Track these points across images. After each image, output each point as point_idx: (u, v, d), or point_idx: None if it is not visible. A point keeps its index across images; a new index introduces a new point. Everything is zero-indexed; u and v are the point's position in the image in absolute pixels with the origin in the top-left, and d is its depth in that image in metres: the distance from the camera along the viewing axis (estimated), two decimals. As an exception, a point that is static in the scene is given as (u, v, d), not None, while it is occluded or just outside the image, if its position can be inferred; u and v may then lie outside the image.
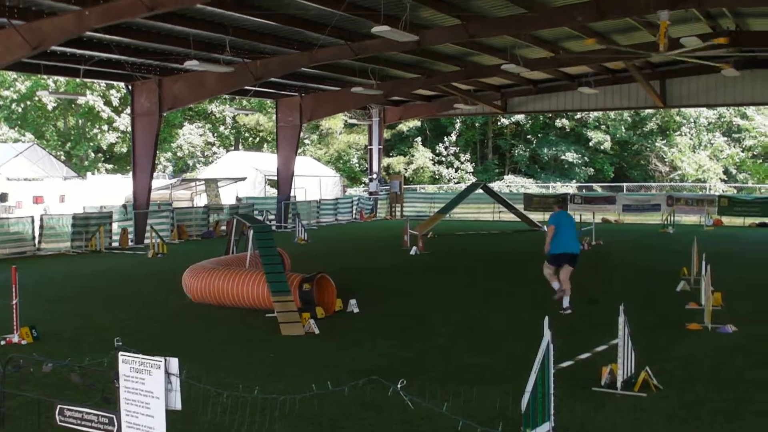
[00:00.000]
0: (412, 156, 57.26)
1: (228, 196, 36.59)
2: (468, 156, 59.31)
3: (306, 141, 56.36)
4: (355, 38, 22.40)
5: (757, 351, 9.45)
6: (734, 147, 56.73)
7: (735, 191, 48.38)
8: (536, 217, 33.90)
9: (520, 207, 34.13)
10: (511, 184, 54.62)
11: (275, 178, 34.51)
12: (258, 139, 59.38)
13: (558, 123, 57.84)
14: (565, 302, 12.30)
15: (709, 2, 18.93)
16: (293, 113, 32.38)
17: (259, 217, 29.20)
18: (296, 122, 32.33)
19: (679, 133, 58.40)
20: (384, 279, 16.58)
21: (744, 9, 22.14)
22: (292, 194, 33.43)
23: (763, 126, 51.56)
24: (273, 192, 40.81)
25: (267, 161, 42.01)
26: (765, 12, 22.23)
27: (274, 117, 37.79)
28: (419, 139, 58.25)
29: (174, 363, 5.13)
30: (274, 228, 30.54)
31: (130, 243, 24.98)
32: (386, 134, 49.64)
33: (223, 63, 22.77)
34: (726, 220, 33.54)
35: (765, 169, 51.48)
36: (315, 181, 42.18)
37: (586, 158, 57.38)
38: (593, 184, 53.99)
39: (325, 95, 32.27)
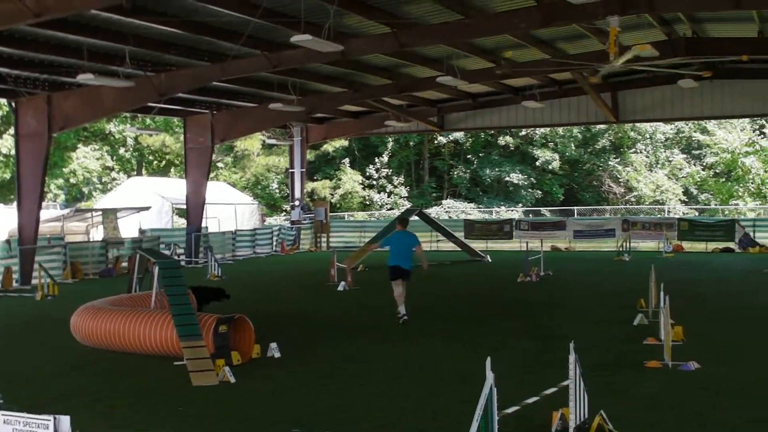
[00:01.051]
0: (340, 180, 57.40)
1: (130, 228, 36.06)
2: (402, 179, 59.73)
3: (219, 164, 56.06)
4: (273, 48, 22.46)
5: (723, 390, 9.68)
6: (694, 165, 58.31)
7: (696, 213, 49.67)
8: (478, 245, 34.29)
9: (460, 235, 34.44)
10: (451, 209, 55.15)
11: (184, 206, 34.16)
12: (164, 162, 58.78)
13: (501, 141, 58.73)
14: (401, 309, 15.54)
15: (662, 6, 19.49)
16: (204, 133, 32.19)
17: (166, 252, 28.84)
18: (207, 143, 32.14)
19: (634, 150, 59.82)
20: (309, 319, 16.51)
21: (701, 14, 22.91)
22: (203, 225, 33.16)
23: (725, 141, 53.04)
24: (182, 222, 40.35)
25: (175, 188, 41.58)
26: (725, 17, 23.02)
27: (182, 137, 37.51)
28: (347, 160, 58.46)
29: (65, 421, 5.04)
30: (183, 263, 30.25)
31: (14, 284, 24.41)
32: (310, 156, 49.70)
33: (122, 76, 22.51)
34: (687, 246, 34.40)
35: (728, 189, 52.91)
36: (230, 209, 41.91)
37: (532, 179, 58.30)
38: (541, 208, 54.91)
39: (240, 112, 32.18)
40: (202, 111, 31.89)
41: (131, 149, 57.75)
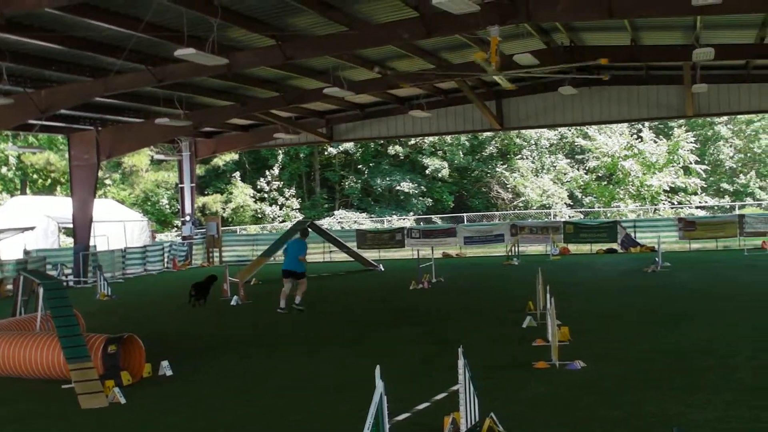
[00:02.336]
0: (231, 194, 56.83)
1: (13, 250, 34.89)
2: (293, 191, 59.51)
3: (107, 181, 54.80)
4: (157, 63, 22.12)
5: (607, 387, 9.95)
6: (578, 169, 59.78)
7: (581, 216, 50.92)
8: (371, 255, 34.41)
9: (352, 245, 34.53)
10: (343, 219, 55.21)
11: (71, 225, 33.28)
12: (49, 181, 57.07)
13: (391, 150, 59.09)
14: (282, 303, 18.84)
15: (541, 17, 19.95)
16: (89, 150, 31.43)
17: (53, 272, 28.04)
18: (93, 160, 31.38)
19: (520, 156, 60.96)
20: (202, 335, 16.27)
21: (577, 23, 23.55)
22: (91, 243, 32.35)
23: (606, 146, 54.62)
24: (69, 242, 39.26)
25: (60, 206, 40.41)
26: (599, 26, 23.72)
27: (66, 155, 36.53)
28: (238, 174, 57.94)
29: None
30: (71, 283, 29.46)
31: None
32: (199, 170, 49.08)
33: (0, 94, 21.84)
34: (573, 248, 35.25)
35: (610, 192, 54.46)
36: (119, 226, 40.98)
37: (423, 188, 58.83)
38: (432, 216, 55.43)
39: (126, 128, 31.56)
40: (87, 127, 31.14)
41: (14, 168, 55.91)
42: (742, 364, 10.84)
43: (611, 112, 33.68)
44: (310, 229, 31.43)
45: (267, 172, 58.98)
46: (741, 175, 58.68)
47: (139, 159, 52.52)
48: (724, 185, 58.29)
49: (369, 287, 24.81)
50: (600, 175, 57.70)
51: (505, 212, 54.43)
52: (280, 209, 58.27)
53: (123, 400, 10.45)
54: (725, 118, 57.04)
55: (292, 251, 19.27)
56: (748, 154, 59.72)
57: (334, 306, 20.11)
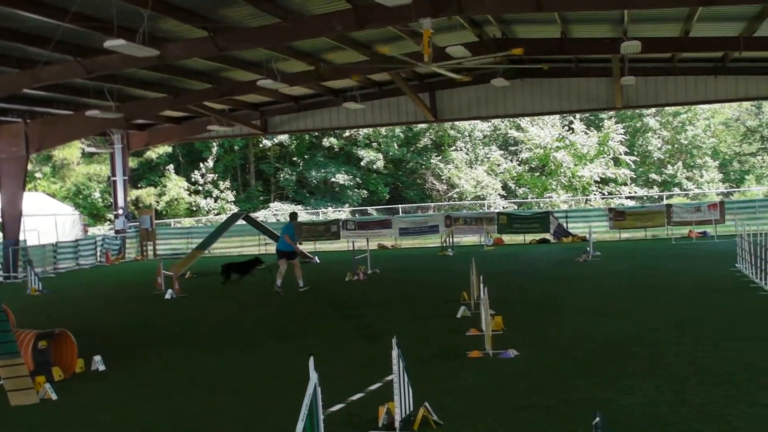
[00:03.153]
0: (164, 186, 56.18)
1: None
2: (228, 183, 59.09)
3: (37, 174, 53.72)
4: (86, 54, 21.75)
5: (540, 375, 10.08)
6: (511, 160, 60.34)
7: (515, 207, 51.42)
8: (307, 247, 34.32)
9: (288, 237, 34.37)
10: (278, 212, 54.94)
11: (0, 220, 32.61)
12: (-24, 175, 55.91)
13: (326, 142, 59.00)
14: (278, 282, 20.63)
15: (472, 9, 20.06)
16: (17, 143, 30.71)
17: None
18: (21, 153, 30.69)
19: (454, 148, 61.30)
20: (135, 329, 16.08)
21: (509, 16, 23.75)
22: (21, 238, 31.69)
23: (538, 137, 55.26)
24: (-3, 237, 38.49)
25: (-12, 201, 39.61)
26: (529, 18, 23.94)
27: (-7, 148, 35.73)
28: (171, 167, 57.29)
29: None
30: (1, 279, 28.86)
31: None
32: (132, 163, 48.44)
33: None
34: (506, 239, 35.58)
35: (543, 183, 55.10)
36: (50, 220, 40.23)
37: (358, 180, 58.84)
38: (368, 208, 55.50)
39: (55, 120, 30.95)
40: (15, 120, 30.46)
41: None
42: (669, 351, 11.06)
43: (543, 104, 34.07)
44: (245, 222, 31.30)
45: (201, 165, 58.43)
46: (669, 165, 59.84)
47: (70, 152, 51.57)
48: (653, 176, 59.41)
49: (306, 280, 24.73)
50: (533, 166, 58.34)
51: (440, 203, 54.72)
52: (215, 202, 57.81)
53: (54, 396, 10.28)
54: (653, 109, 58.15)
55: (281, 233, 21.52)
56: (676, 146, 60.94)
57: (270, 299, 19.99)
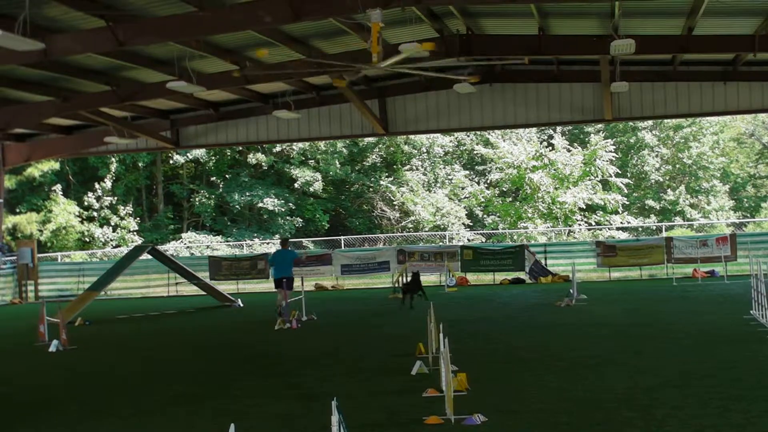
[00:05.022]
0: (50, 212, 55.59)
1: None
2: (130, 209, 58.68)
3: None
4: (-48, 46, 21.49)
5: (511, 445, 10.04)
6: (478, 183, 60.65)
7: (483, 239, 51.65)
8: (228, 288, 34.10)
9: (204, 276, 34.17)
10: (193, 244, 54.68)
11: None
12: None
13: (252, 159, 58.92)
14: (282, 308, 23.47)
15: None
16: None
17: None
18: None
19: (409, 167, 61.56)
20: (8, 391, 15.77)
21: (475, 7, 23.95)
22: None
23: (511, 155, 55.30)
24: None
25: None
26: (500, 11, 24.17)
27: None
28: (59, 187, 56.75)
29: None
30: None
31: None
32: (9, 182, 47.86)
33: None
34: (472, 278, 35.71)
35: (516, 210, 55.29)
36: None
37: (291, 205, 58.81)
38: (303, 240, 55.37)
39: None
40: None
41: None
42: (668, 416, 11.09)
43: (517, 114, 34.29)
44: (150, 256, 31.03)
45: (97, 186, 57.95)
46: (669, 190, 60.66)
47: (-69, 168, 50.90)
48: (650, 202, 60.15)
49: (224, 327, 24.54)
50: (504, 189, 58.72)
51: (392, 235, 54.89)
52: (114, 231, 57.32)
53: None
54: (650, 122, 58.88)
55: (282, 258, 24.73)
56: (677, 166, 61.80)
57: (178, 353, 19.76)
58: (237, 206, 58.60)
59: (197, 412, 13.01)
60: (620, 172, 56.72)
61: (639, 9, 22.51)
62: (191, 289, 33.45)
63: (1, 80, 26.78)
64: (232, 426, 6.25)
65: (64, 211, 55.68)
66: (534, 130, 56.24)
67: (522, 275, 35.03)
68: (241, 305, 30.00)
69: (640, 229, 55.18)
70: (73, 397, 14.90)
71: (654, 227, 53.79)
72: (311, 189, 58.80)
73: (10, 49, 19.13)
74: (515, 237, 50.90)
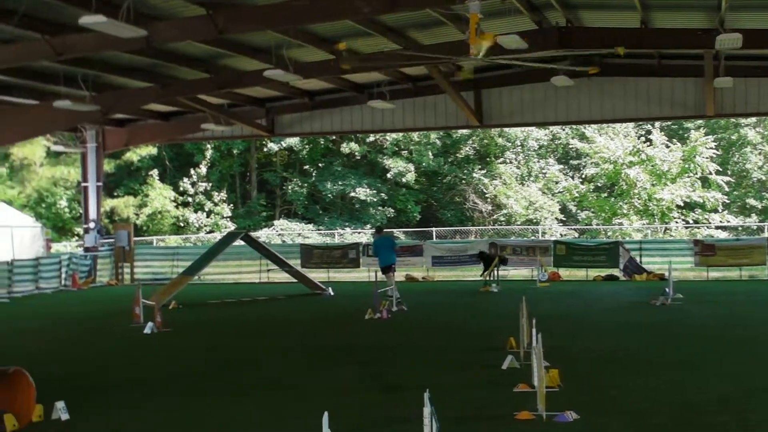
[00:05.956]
0: (146, 196, 56.53)
1: None
2: (224, 195, 59.33)
3: (-10, 177, 54.24)
4: (57, 32, 21.95)
5: (603, 444, 9.99)
6: (572, 177, 60.15)
7: (575, 235, 51.23)
8: (318, 276, 34.31)
9: (296, 263, 34.41)
10: (284, 231, 55.11)
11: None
12: None
13: (345, 148, 59.15)
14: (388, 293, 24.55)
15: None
16: (-31, 137, 31.11)
17: None
18: (-26, 150, 31.08)
19: (502, 160, 61.27)
20: (106, 370, 16.11)
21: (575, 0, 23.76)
22: (-31, 254, 32.01)
23: (607, 150, 54.70)
24: (-59, 252, 38.76)
25: (-69, 207, 40.04)
26: (602, 4, 23.92)
27: (-60, 143, 36.07)
28: (156, 172, 57.66)
29: None
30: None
31: None
32: (108, 166, 48.74)
33: None
34: (564, 273, 35.41)
35: (611, 206, 54.69)
36: (4, 233, 40.55)
37: (383, 195, 58.89)
38: (394, 230, 55.44)
39: (15, 111, 31.24)
40: (-34, 109, 30.82)
41: None
42: (765, 422, 10.93)
43: (615, 109, 33.87)
44: (243, 242, 31.36)
45: (192, 171, 58.75)
46: (772, 189, 59.42)
47: (32, 150, 52.05)
48: (751, 201, 58.97)
49: (314, 316, 24.73)
50: (599, 185, 58.11)
51: (483, 228, 54.65)
52: (208, 217, 58.03)
53: (4, 450, 10.32)
54: (753, 119, 57.73)
55: (387, 246, 26.41)
56: (781, 164, 60.45)
57: (268, 339, 19.98)
58: (329, 195, 58.90)
59: (285, 398, 13.15)
60: (720, 169, 55.69)
61: (747, 2, 22.09)
62: (282, 276, 33.71)
63: (104, 66, 27.24)
64: (326, 414, 6.30)
65: (160, 195, 56.58)
66: (631, 124, 55.49)
67: (616, 272, 34.64)
68: (332, 294, 30.17)
69: (740, 228, 54.14)
70: (168, 377, 15.18)
71: (755, 227, 52.67)
72: (403, 180, 58.83)
73: (113, 35, 19.49)
74: (609, 233, 50.36)
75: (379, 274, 26.76)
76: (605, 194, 57.52)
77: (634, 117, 36.07)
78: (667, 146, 54.51)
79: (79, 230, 49.24)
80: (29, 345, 19.67)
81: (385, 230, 28.37)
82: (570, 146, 60.76)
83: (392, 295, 24.61)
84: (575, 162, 61.53)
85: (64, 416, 11.95)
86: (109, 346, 19.29)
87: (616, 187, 55.72)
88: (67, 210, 56.17)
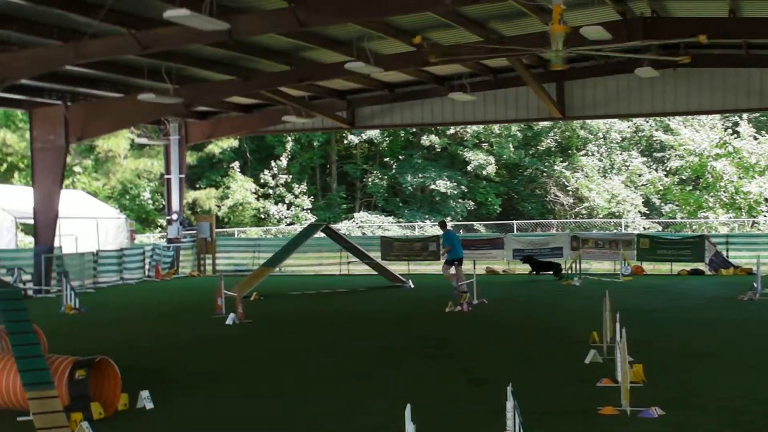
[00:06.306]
0: (228, 188, 57.07)
1: (-39, 250, 35.20)
2: (304, 187, 59.66)
3: (76, 168, 55.14)
4: (142, 25, 22.19)
5: (689, 441, 9.88)
6: (656, 170, 59.46)
7: (659, 228, 50.65)
8: (398, 268, 34.34)
9: (376, 255, 34.48)
10: (364, 224, 55.28)
11: (31, 221, 33.47)
12: (5, 166, 57.54)
13: (425, 141, 59.15)
14: (464, 287, 25.07)
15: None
16: (56, 129, 31.52)
17: (8, 278, 28.21)
18: (60, 142, 31.49)
19: (584, 152, 60.79)
20: (191, 360, 16.33)
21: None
22: (56, 244, 32.51)
23: (692, 142, 54.02)
24: (29, 241, 39.47)
25: (19, 198, 40.71)
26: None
27: (27, 135, 36.75)
28: (237, 164, 58.15)
29: None
30: (31, 293, 29.61)
31: None
32: (190, 158, 49.27)
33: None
34: (648, 267, 35.02)
35: (696, 199, 53.97)
36: (90, 224, 41.21)
37: (463, 188, 58.79)
38: (474, 223, 55.39)
39: (101, 104, 31.71)
40: (53, 102, 31.27)
41: (-38, 150, 56.44)
42: None
43: (701, 100, 33.34)
44: (324, 234, 31.54)
45: (273, 164, 59.17)
46: None
47: (117, 142, 52.83)
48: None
49: (394, 308, 24.78)
50: (684, 177, 57.38)
51: (565, 221, 54.30)
52: (288, 209, 58.42)
53: (91, 438, 10.48)
54: None
55: (457, 238, 27.65)
56: None
57: (348, 331, 20.09)
58: (409, 187, 58.95)
59: (366, 390, 13.22)
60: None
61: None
62: (363, 269, 33.80)
63: (187, 59, 27.50)
64: (408, 406, 6.32)
65: (241, 187, 57.09)
66: (718, 116, 54.65)
67: (701, 266, 34.15)
68: (412, 286, 30.19)
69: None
70: (251, 369, 15.33)
71: None
72: (484, 172, 58.69)
73: (197, 29, 19.69)
74: (694, 227, 49.70)
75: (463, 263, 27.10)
76: (690, 187, 56.77)
77: (721, 108, 35.48)
78: (756, 138, 53.62)
79: (162, 222, 49.93)
80: (114, 334, 20.00)
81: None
82: (654, 138, 60.06)
83: (466, 290, 24.96)
84: (659, 154, 60.79)
85: (149, 405, 12.14)
86: (192, 337, 19.52)
87: (701, 180, 54.99)
88: (150, 202, 56.98)
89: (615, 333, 12.52)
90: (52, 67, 24.80)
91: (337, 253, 36.23)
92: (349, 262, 36.41)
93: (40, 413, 10.70)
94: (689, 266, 34.44)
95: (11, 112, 48.02)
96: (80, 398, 11.45)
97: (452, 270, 26.70)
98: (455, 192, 58.29)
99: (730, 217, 51.33)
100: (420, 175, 58.36)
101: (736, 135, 54.14)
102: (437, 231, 49.56)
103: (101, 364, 12.08)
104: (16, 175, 56.35)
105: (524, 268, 36.64)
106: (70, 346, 16.19)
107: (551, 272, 28.66)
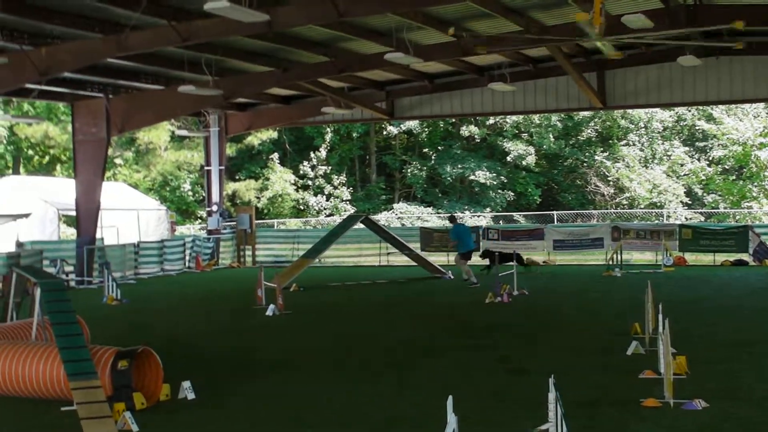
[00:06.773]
0: (267, 180, 57.26)
1: (4, 241, 35.54)
2: (344, 178, 59.76)
3: (117, 160, 55.56)
4: (182, 18, 22.28)
5: (733, 432, 9.82)
6: (699, 160, 59.01)
7: (702, 219, 50.27)
8: (438, 259, 34.33)
9: (416, 246, 34.48)
10: (404, 215, 55.28)
11: (73, 213, 33.76)
12: (47, 158, 58.11)
13: (464, 131, 59.05)
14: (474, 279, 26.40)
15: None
16: (97, 122, 31.77)
17: (51, 269, 28.46)
18: (102, 134, 31.74)
19: (625, 142, 60.40)
20: (230, 351, 16.41)
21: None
22: (98, 236, 32.78)
23: (736, 131, 53.53)
24: (71, 233, 39.76)
25: (61, 190, 41.07)
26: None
27: (69, 127, 36.99)
28: (276, 156, 58.32)
29: None
30: (73, 284, 29.86)
31: None
32: (230, 150, 49.46)
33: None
34: (690, 258, 34.78)
35: (740, 189, 53.49)
36: (131, 216, 41.52)
37: (503, 178, 58.64)
38: (514, 214, 55.24)
39: (142, 97, 31.90)
40: (95, 94, 31.50)
41: (5, 142, 56.95)
42: None
43: (744, 88, 32.99)
44: (363, 225, 31.60)
45: (312, 155, 59.30)
46: None
47: (158, 135, 53.16)
48: None
49: (434, 299, 24.80)
50: (727, 167, 56.90)
51: (605, 211, 54.03)
52: (327, 200, 58.54)
53: (135, 428, 10.55)
54: None
55: (468, 232, 28.56)
56: None
57: (388, 322, 20.11)
58: (448, 178, 58.87)
59: (406, 380, 13.24)
60: None
61: None
62: (402, 260, 33.81)
63: (226, 51, 27.58)
64: (450, 398, 6.32)
65: (280, 179, 57.26)
66: (762, 105, 54.12)
67: (745, 257, 33.86)
68: (452, 277, 30.15)
69: None
70: (291, 359, 15.39)
71: None
72: (524, 163, 58.50)
73: (236, 21, 19.75)
74: (738, 217, 49.27)
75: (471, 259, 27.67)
76: (733, 177, 56.28)
77: (766, 97, 35.09)
78: (800, 127, 53.08)
79: (202, 213, 50.18)
80: (156, 326, 20.17)
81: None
82: (696, 128, 59.59)
83: (477, 282, 26.38)
84: (701, 144, 60.29)
85: (191, 396, 12.22)
86: (232, 328, 19.63)
87: (745, 170, 54.48)
88: (190, 193, 57.29)
89: (657, 324, 12.45)
90: (94, 60, 24.95)
91: (376, 244, 36.27)
92: (388, 254, 36.45)
93: (84, 403, 10.79)
94: (732, 257, 34.17)
95: (54, 104, 48.40)
96: (123, 388, 11.54)
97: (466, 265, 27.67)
98: (494, 183, 58.15)
99: (775, 207, 50.90)
100: (459, 166, 58.26)
101: (781, 124, 53.63)
102: (477, 222, 49.61)
103: (143, 355, 12.18)
104: (58, 167, 56.94)
105: (564, 260, 36.57)
106: (112, 337, 16.36)
107: (512, 263, 27.11)
